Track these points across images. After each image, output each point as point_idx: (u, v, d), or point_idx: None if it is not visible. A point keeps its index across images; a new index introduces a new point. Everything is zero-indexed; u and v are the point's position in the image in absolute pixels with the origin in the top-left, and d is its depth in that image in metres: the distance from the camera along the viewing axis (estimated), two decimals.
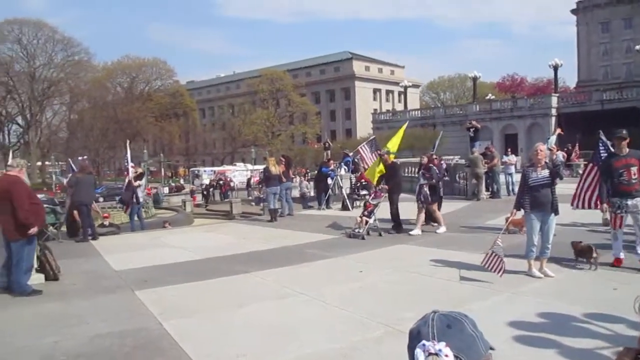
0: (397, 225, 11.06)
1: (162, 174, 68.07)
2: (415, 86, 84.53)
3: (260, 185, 27.88)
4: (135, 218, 14.60)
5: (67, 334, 5.24)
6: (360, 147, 15.06)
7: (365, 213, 10.90)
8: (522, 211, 7.06)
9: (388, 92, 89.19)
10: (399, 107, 74.82)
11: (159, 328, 5.28)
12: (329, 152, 24.27)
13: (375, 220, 10.93)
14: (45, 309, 6.23)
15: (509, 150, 18.04)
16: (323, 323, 5.30)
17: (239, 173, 53.38)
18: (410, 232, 10.59)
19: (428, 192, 10.71)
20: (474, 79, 54.37)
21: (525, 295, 6.03)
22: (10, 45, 73.47)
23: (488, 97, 59.92)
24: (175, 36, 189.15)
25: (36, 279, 7.52)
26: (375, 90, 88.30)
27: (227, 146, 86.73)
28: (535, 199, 6.77)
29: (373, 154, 13.14)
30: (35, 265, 7.62)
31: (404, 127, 14.22)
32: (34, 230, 6.90)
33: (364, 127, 70.84)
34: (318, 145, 65.51)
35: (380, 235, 10.63)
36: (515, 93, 68.03)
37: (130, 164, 16.12)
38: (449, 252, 8.48)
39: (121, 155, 74.65)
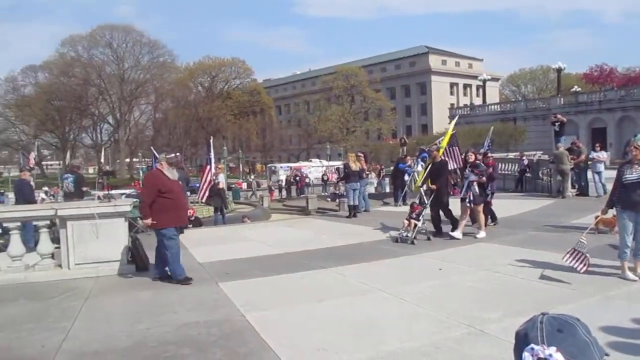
0: (453, 227, 10.19)
1: (240, 170, 70.04)
2: (495, 79, 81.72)
3: (339, 182, 27.96)
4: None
5: (157, 322, 5.53)
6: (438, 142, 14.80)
7: (413, 215, 10.04)
8: (613, 210, 6.66)
9: (465, 86, 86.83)
10: (477, 101, 72.57)
11: (242, 320, 5.45)
12: (404, 148, 24.00)
13: (424, 222, 10.11)
14: (137, 298, 6.62)
15: (598, 146, 16.93)
16: (402, 320, 5.25)
17: (314, 169, 53.94)
18: (451, 233, 9.93)
19: (477, 190, 9.83)
20: (558, 70, 51.71)
21: (618, 299, 5.67)
22: (102, 50, 78.70)
23: (574, 89, 56.78)
24: (254, 36, 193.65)
25: (127, 269, 8.02)
26: (452, 85, 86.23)
27: (303, 142, 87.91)
28: (629, 197, 6.37)
29: (453, 150, 12.75)
30: (127, 256, 8.12)
31: (454, 122, 13.83)
32: (147, 222, 7.38)
33: (440, 122, 69.41)
34: (393, 141, 65.01)
35: (428, 239, 9.86)
36: (604, 84, 63.91)
37: (215, 161, 16.75)
38: (533, 252, 8.14)
39: (202, 152, 77.75)
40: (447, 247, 9.19)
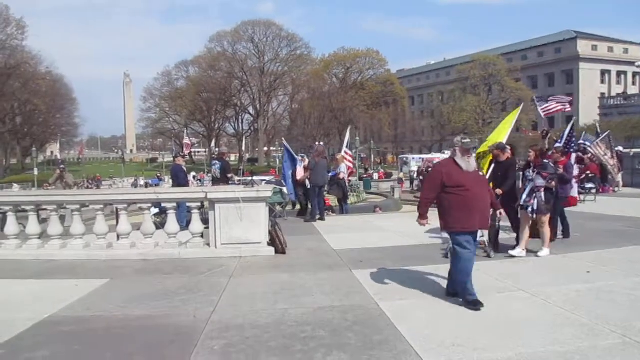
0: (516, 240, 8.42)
1: (372, 160, 70.39)
2: None
3: None
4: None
5: (295, 303, 5.79)
6: (594, 144, 13.53)
7: None
8: None
9: (619, 73, 78.70)
10: (633, 90, 65.44)
11: (376, 307, 5.51)
12: (546, 141, 22.41)
13: (482, 235, 7.90)
14: (276, 279, 6.97)
15: None
16: (544, 323, 4.94)
17: None
18: (511, 253, 8.02)
19: (544, 198, 7.93)
20: None
21: None
22: (245, 44, 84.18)
23: None
24: (388, 26, 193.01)
25: (267, 252, 8.49)
26: (603, 72, 78.62)
27: (436, 134, 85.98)
28: None
29: (607, 150, 11.27)
30: (267, 239, 8.60)
31: (517, 111, 11.37)
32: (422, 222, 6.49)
33: (588, 113, 63.60)
34: (533, 133, 60.98)
35: (488, 256, 8.01)
36: None
37: (345, 150, 16.97)
38: None
39: (335, 142, 79.41)
40: (595, 249, 8.46)
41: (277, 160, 73.12)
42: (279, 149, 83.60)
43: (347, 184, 16.58)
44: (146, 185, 45.45)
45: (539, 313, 5.28)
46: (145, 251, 8.62)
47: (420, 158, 57.92)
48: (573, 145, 12.79)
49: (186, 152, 35.06)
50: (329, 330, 4.86)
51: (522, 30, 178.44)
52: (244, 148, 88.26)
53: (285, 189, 14.35)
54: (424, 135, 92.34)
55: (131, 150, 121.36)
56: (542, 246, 8.03)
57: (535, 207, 7.85)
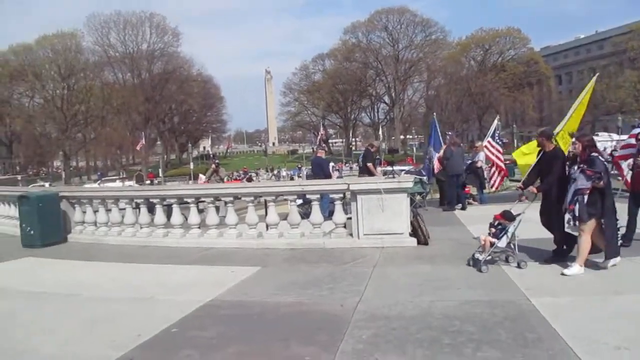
0: (560, 251, 7.04)
1: (515, 146, 66.58)
2: None
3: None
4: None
5: (440, 295, 5.74)
6: None
7: (492, 230, 7.05)
8: None
9: None
10: None
11: (527, 303, 5.25)
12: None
13: (510, 243, 6.91)
14: (419, 270, 6.95)
15: None
16: None
17: (601, 144, 47.88)
18: (565, 272, 6.33)
19: (586, 201, 6.28)
20: None
21: None
22: (379, 33, 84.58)
23: None
24: (531, 2, 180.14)
25: (409, 242, 8.48)
26: None
27: (587, 114, 78.59)
28: None
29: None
30: (409, 230, 8.58)
31: (591, 85, 8.91)
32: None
33: None
34: None
35: (519, 267, 6.72)
36: None
37: (488, 139, 16.22)
38: None
39: (474, 127, 76.45)
40: None
41: (414, 149, 72.31)
42: (415, 136, 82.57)
43: (484, 173, 15.93)
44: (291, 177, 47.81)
45: None
46: (292, 240, 9.08)
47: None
48: None
49: (324, 138, 36.03)
50: (478, 325, 4.75)
51: None
52: (381, 137, 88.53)
53: (425, 179, 14.20)
54: None
55: (273, 143, 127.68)
56: (574, 262, 6.40)
57: (575, 214, 6.34)
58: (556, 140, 7.93)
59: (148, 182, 50.81)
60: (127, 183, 46.91)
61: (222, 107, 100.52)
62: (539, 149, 7.42)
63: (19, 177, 29.39)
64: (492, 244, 6.83)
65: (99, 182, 52.40)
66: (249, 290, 6.41)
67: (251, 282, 6.87)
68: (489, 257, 6.85)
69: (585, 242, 6.34)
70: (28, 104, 77.39)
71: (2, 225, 13.00)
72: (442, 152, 13.91)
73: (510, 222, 6.87)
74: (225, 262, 8.18)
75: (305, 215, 10.02)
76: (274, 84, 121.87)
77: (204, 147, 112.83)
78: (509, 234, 6.83)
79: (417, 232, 8.52)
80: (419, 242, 8.46)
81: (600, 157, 6.43)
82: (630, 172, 8.30)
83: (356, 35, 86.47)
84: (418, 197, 12.72)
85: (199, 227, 10.01)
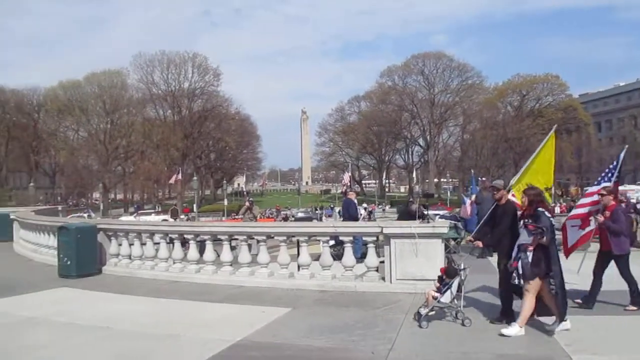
0: (505, 311, 6.56)
1: (552, 193, 65.22)
2: None
3: None
4: None
5: (476, 347, 5.55)
6: None
7: (436, 284, 6.69)
8: None
9: None
10: None
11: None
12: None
13: (454, 298, 6.45)
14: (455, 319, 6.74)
15: None
16: None
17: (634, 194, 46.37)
18: (503, 332, 5.90)
19: (530, 259, 5.96)
20: None
21: None
22: (415, 77, 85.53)
23: None
24: (570, 49, 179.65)
25: None
26: None
27: (629, 163, 76.75)
28: None
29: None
30: None
31: (551, 136, 8.89)
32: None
33: None
34: None
35: (463, 324, 6.33)
36: None
37: None
38: None
39: (510, 173, 75.20)
40: None
41: (448, 193, 71.62)
42: (450, 180, 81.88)
43: None
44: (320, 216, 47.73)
45: None
46: (323, 282, 8.98)
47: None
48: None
49: (345, 187, 36.79)
50: None
51: None
52: (414, 179, 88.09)
53: (460, 224, 13.99)
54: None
55: (307, 182, 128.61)
56: (514, 322, 6.03)
57: (519, 271, 6.03)
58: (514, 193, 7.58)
59: (183, 216, 51.56)
60: (163, 217, 47.77)
61: (257, 146, 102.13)
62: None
63: (59, 208, 30.29)
64: (434, 298, 6.45)
65: (135, 214, 53.58)
66: (279, 332, 6.33)
67: (281, 323, 6.79)
68: (433, 313, 6.56)
69: (528, 303, 5.99)
70: (73, 137, 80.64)
71: (42, 254, 13.33)
72: (473, 197, 13.78)
73: (452, 279, 6.49)
74: (256, 301, 8.12)
75: (337, 256, 9.93)
76: (309, 124, 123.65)
77: (239, 184, 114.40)
78: (453, 290, 6.43)
79: None
80: None
81: (546, 213, 6.13)
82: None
83: (392, 79, 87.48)
84: (452, 243, 12.49)
85: (230, 265, 10.02)
